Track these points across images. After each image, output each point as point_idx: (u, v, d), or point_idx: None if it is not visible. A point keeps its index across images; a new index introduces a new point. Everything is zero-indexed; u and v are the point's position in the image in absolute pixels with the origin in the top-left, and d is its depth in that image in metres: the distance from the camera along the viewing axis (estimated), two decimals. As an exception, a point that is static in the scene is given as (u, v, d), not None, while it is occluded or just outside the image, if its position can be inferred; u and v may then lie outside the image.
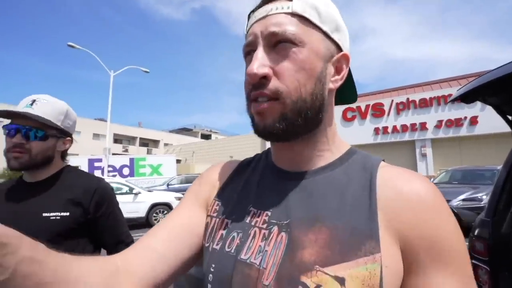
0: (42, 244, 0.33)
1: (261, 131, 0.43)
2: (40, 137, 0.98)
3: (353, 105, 15.50)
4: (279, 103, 0.41)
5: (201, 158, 26.54)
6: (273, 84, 0.41)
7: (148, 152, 37.64)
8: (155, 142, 41.43)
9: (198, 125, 52.62)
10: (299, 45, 0.41)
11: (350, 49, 0.50)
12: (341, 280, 0.35)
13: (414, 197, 0.39)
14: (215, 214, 0.51)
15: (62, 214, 0.96)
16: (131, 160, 15.87)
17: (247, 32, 0.46)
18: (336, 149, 0.48)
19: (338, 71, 0.47)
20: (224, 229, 0.47)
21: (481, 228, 1.77)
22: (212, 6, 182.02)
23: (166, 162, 16.53)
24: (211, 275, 0.44)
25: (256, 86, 0.42)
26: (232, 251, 0.44)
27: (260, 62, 0.41)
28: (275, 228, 0.43)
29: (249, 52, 0.45)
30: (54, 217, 0.95)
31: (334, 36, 0.45)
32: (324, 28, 0.44)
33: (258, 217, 0.45)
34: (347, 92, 0.55)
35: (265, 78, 0.41)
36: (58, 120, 1.03)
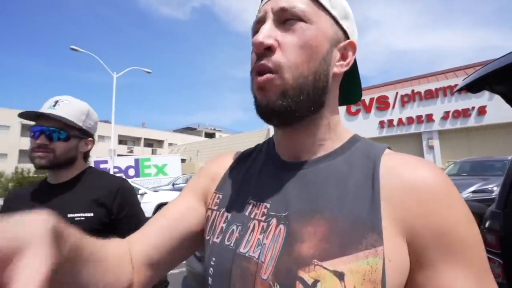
0: (79, 231, 0.37)
1: (264, 108, 0.42)
2: (63, 138, 1.01)
3: (357, 99, 15.30)
4: (279, 77, 0.40)
5: (205, 157, 26.66)
6: (276, 56, 0.41)
7: (153, 152, 37.96)
8: (160, 142, 41.73)
9: (202, 124, 53.01)
10: (307, 22, 0.42)
11: (357, 41, 0.49)
12: (340, 275, 0.34)
13: (420, 184, 0.37)
14: (215, 207, 0.51)
15: (87, 214, 0.97)
16: (136, 160, 16.00)
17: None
18: (337, 138, 0.47)
19: (343, 58, 0.46)
20: (224, 222, 0.47)
21: (492, 220, 1.74)
22: (211, 4, 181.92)
23: (171, 162, 16.64)
24: (211, 268, 0.44)
25: (259, 56, 0.42)
26: (232, 244, 0.44)
27: (267, 33, 0.41)
28: (274, 221, 0.42)
29: (257, 30, 0.45)
30: (79, 218, 0.96)
31: (343, 23, 0.46)
32: (334, 13, 0.44)
33: (258, 209, 0.45)
34: (352, 84, 0.53)
35: (269, 49, 0.41)
36: (80, 121, 1.06)
